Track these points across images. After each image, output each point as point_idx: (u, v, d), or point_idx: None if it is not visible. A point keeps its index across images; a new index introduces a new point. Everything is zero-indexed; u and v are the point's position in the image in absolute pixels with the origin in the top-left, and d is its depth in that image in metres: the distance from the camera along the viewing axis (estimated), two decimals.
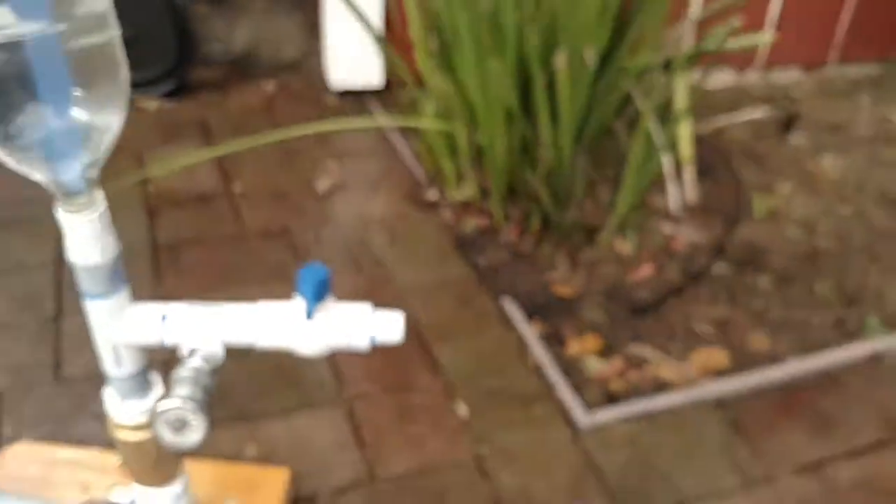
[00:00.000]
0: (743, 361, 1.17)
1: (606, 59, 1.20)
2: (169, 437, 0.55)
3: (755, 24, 1.93)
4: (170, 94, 1.78)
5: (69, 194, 0.53)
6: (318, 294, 0.60)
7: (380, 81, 1.82)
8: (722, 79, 2.00)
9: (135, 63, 1.78)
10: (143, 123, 1.70)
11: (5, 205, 1.40)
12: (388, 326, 0.62)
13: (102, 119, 0.51)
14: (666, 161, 1.26)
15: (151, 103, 1.76)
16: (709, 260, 1.36)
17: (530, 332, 1.19)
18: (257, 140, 1.46)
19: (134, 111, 1.73)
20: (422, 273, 1.31)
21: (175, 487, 0.71)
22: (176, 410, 0.53)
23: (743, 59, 2.00)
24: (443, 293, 1.27)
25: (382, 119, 1.69)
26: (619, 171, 1.32)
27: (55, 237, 1.33)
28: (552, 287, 1.27)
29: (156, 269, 1.28)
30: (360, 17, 1.40)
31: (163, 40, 1.72)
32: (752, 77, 2.02)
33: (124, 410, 0.64)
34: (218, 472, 0.86)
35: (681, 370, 1.15)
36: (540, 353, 1.16)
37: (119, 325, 0.60)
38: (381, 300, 1.24)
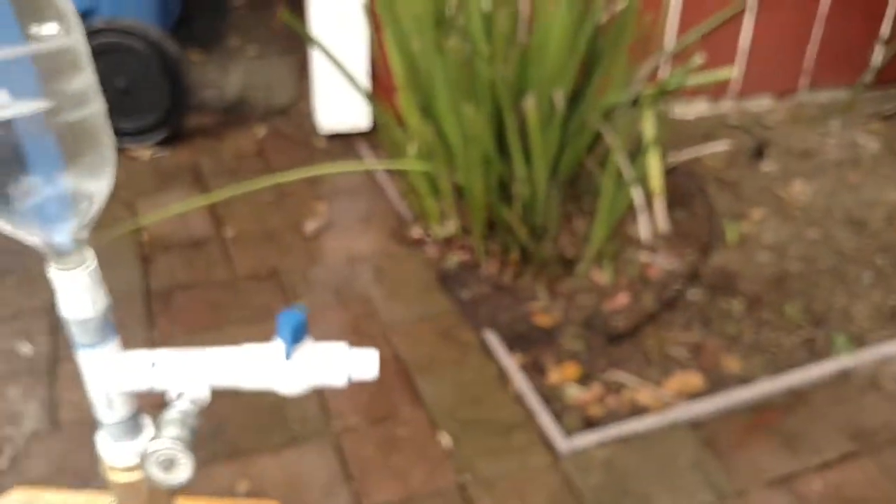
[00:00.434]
0: (716, 383, 1.22)
1: (575, 98, 1.27)
2: (159, 475, 0.59)
3: (727, 56, 2.00)
4: (163, 142, 1.84)
5: (61, 254, 0.58)
6: (296, 336, 0.65)
7: (367, 124, 1.88)
8: (697, 108, 2.06)
9: (128, 112, 1.85)
10: (137, 171, 1.76)
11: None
12: (363, 364, 0.67)
13: (90, 185, 0.56)
14: (636, 193, 1.32)
15: (145, 152, 1.82)
16: (683, 286, 1.41)
17: (511, 363, 1.24)
18: (248, 186, 1.52)
19: (127, 160, 1.79)
20: (406, 308, 1.36)
21: None
22: (165, 451, 0.58)
23: (717, 89, 2.06)
24: (426, 327, 1.32)
25: (368, 162, 1.75)
26: (593, 205, 1.37)
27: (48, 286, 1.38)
28: (532, 317, 1.33)
29: (149, 313, 1.33)
30: (344, 70, 1.46)
31: (156, 90, 1.78)
32: (727, 105, 2.09)
33: (116, 453, 0.69)
34: None
35: (657, 394, 1.20)
36: (520, 382, 1.20)
37: (110, 372, 0.65)
38: (366, 335, 1.30)
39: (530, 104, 1.14)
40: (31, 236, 0.56)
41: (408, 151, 1.49)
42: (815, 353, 1.28)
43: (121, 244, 1.50)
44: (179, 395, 0.64)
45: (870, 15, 2.09)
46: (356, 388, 1.23)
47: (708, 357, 1.28)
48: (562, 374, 1.23)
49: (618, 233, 1.48)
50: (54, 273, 0.60)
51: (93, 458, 1.06)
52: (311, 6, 1.73)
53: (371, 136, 1.90)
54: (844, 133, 1.98)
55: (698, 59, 1.32)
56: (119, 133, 1.81)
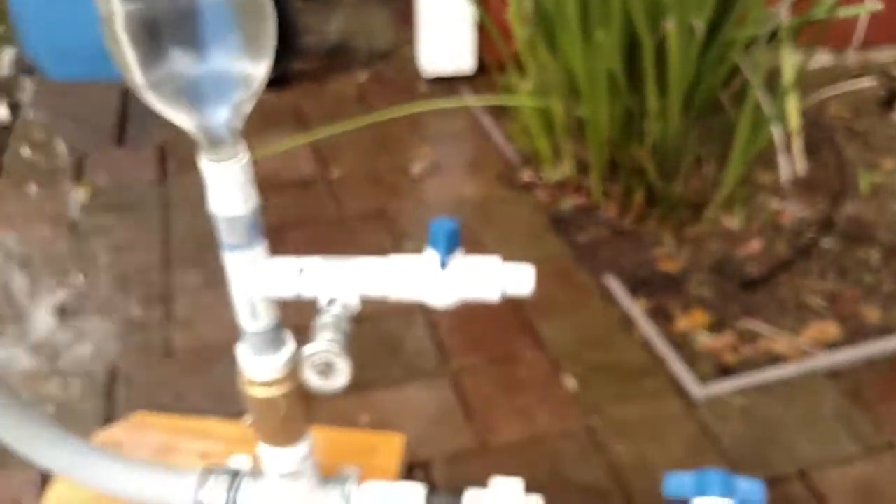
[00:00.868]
0: (855, 333, 1.13)
1: (713, 30, 1.17)
2: (316, 381, 0.56)
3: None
4: (269, 85, 1.81)
5: (215, 142, 0.54)
6: (450, 246, 0.60)
7: (471, 66, 1.82)
8: (820, 60, 1.93)
9: None
10: None
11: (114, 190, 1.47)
12: (518, 278, 0.62)
13: (250, 67, 0.52)
14: (776, 132, 1.23)
15: None
16: (817, 234, 1.32)
17: (635, 308, 1.17)
18: (353, 123, 1.48)
19: None
20: (519, 251, 1.30)
21: (301, 449, 0.72)
22: (322, 354, 0.54)
23: (841, 39, 1.92)
24: (541, 270, 1.24)
25: (476, 99, 1.69)
26: (725, 145, 1.28)
27: (159, 219, 1.38)
28: (657, 263, 1.25)
29: None
30: None
31: None
32: (850, 57, 1.95)
33: (257, 366, 0.66)
34: (335, 438, 0.88)
35: (794, 343, 1.11)
36: (647, 328, 1.14)
37: (257, 277, 0.61)
38: None
39: (672, 26, 1.06)
40: (188, 119, 0.53)
41: (520, 88, 1.42)
42: None
43: None
44: (331, 301, 0.60)
45: None
46: (472, 327, 1.19)
47: (845, 306, 1.19)
48: (690, 321, 1.15)
49: (746, 177, 1.39)
50: (206, 165, 0.57)
51: (206, 389, 1.05)
52: None
53: (474, 80, 1.84)
54: None
55: None
56: None
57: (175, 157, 1.57)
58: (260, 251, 0.61)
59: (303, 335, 0.61)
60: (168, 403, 1.02)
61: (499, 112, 1.70)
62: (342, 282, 0.61)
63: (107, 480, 0.79)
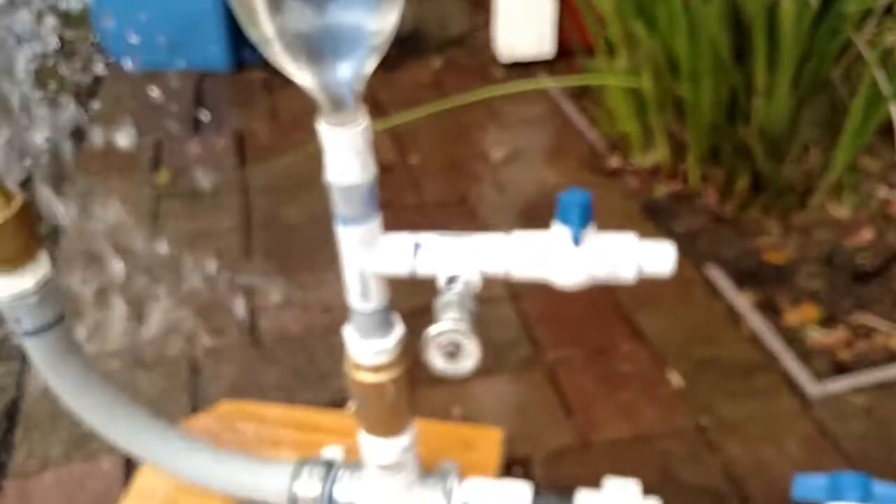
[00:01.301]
0: None
1: (826, 1, 1.09)
2: (440, 363, 0.51)
3: None
4: None
5: (335, 104, 0.50)
6: (584, 220, 0.55)
7: (551, 50, 1.76)
8: None
9: None
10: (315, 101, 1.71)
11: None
12: (657, 257, 0.56)
13: (377, 20, 0.47)
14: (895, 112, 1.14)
15: None
16: None
17: (741, 301, 1.10)
18: (430, 109, 1.43)
19: (300, 89, 1.74)
20: None
21: (404, 439, 0.68)
22: (449, 334, 0.49)
23: None
24: None
25: (560, 80, 1.62)
26: (833, 128, 1.20)
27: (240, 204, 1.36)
28: (762, 254, 1.17)
29: None
30: None
31: None
32: None
33: (365, 349, 0.61)
34: (433, 431, 0.82)
35: None
36: (756, 322, 1.06)
37: (371, 253, 0.57)
38: None
39: None
40: (311, 76, 0.48)
41: (608, 69, 1.36)
42: None
43: (309, 166, 1.45)
44: (451, 280, 0.55)
45: None
46: (565, 317, 1.12)
47: None
48: (801, 315, 1.08)
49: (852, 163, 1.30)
50: (325, 130, 0.52)
51: (290, 378, 1.01)
52: None
53: (554, 65, 1.78)
54: None
55: None
56: None
57: (253, 144, 1.55)
58: (376, 225, 0.57)
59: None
60: (252, 393, 0.98)
61: (581, 96, 1.64)
62: (462, 258, 0.56)
63: (196, 469, 0.75)
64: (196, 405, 0.96)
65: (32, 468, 0.90)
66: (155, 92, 1.75)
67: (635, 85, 1.28)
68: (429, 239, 0.58)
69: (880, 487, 0.68)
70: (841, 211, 1.23)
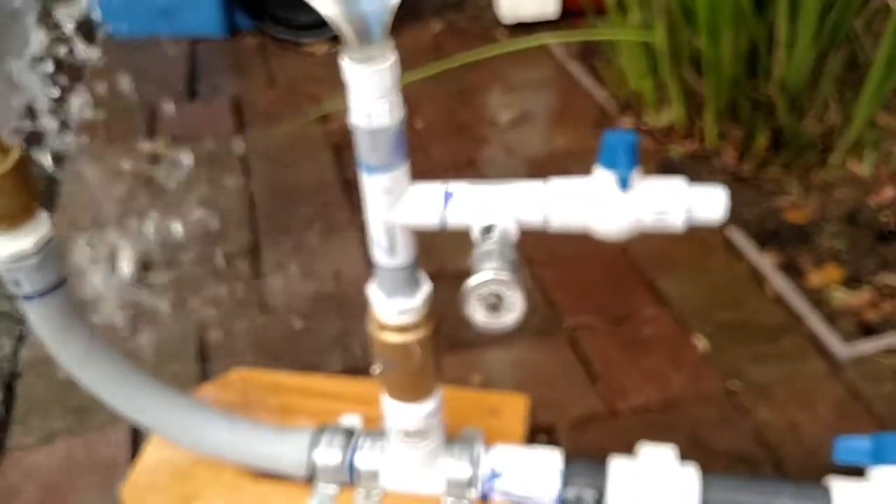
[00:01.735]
0: None
1: None
2: (482, 317, 0.47)
3: None
4: (337, 37, 1.73)
5: (362, 36, 0.45)
6: (632, 161, 0.51)
7: (555, 10, 1.71)
8: None
9: (304, 6, 1.72)
10: (315, 67, 1.66)
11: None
12: (707, 202, 0.52)
13: None
14: None
15: (321, 47, 1.72)
16: None
17: (764, 262, 1.06)
18: (431, 70, 1.38)
19: (303, 55, 1.69)
20: None
21: (429, 404, 0.64)
22: (491, 284, 0.45)
23: None
24: None
25: (567, 35, 1.57)
26: (853, 83, 1.16)
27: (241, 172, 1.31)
28: (783, 213, 1.14)
29: (350, 201, 1.23)
30: None
31: None
32: None
33: (391, 309, 0.57)
34: (455, 397, 0.79)
35: None
36: (780, 283, 1.03)
37: (398, 203, 0.53)
38: None
39: None
40: (337, 6, 0.44)
41: (618, 22, 1.31)
42: None
43: (311, 135, 1.40)
44: (488, 229, 0.51)
45: None
46: (583, 282, 1.09)
47: None
48: (824, 276, 1.04)
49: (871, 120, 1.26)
50: (348, 66, 0.47)
51: (304, 343, 0.98)
52: None
53: (559, 25, 1.73)
54: None
55: None
56: (295, 27, 1.72)
57: (250, 109, 1.50)
58: (403, 173, 0.53)
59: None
60: (263, 361, 0.95)
61: (587, 56, 1.59)
62: (497, 206, 0.52)
63: (208, 439, 0.71)
64: (205, 375, 0.92)
65: (33, 442, 0.86)
66: (145, 59, 1.69)
67: (648, 39, 1.23)
68: (460, 187, 0.54)
69: None
70: (862, 169, 1.19)
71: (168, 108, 1.50)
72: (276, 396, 0.81)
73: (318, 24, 1.70)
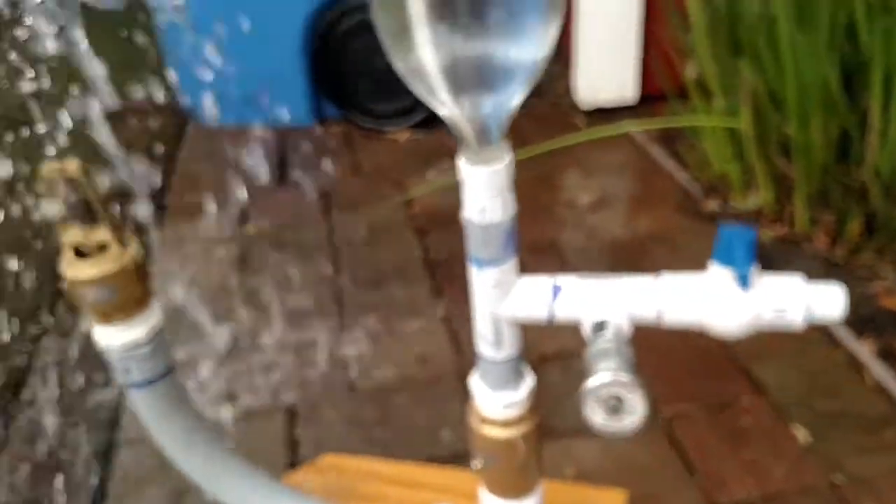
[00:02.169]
0: None
1: None
2: (600, 420, 0.46)
3: None
4: (419, 125, 1.78)
5: (481, 138, 0.47)
6: (751, 257, 0.50)
7: (634, 95, 1.72)
8: None
9: (387, 94, 1.79)
10: (398, 152, 1.70)
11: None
12: (827, 300, 0.51)
13: (537, 49, 0.44)
14: None
15: (402, 134, 1.77)
16: None
17: (863, 350, 1.03)
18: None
19: (387, 142, 1.74)
20: None
21: (530, 500, 0.63)
22: (611, 386, 0.45)
23: None
24: None
25: (651, 124, 1.58)
26: None
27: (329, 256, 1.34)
28: (879, 299, 1.10)
29: (434, 284, 1.24)
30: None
31: None
32: None
33: (495, 402, 0.57)
34: (553, 490, 0.77)
35: None
36: (879, 371, 0.99)
37: (506, 297, 0.53)
38: None
39: None
40: (458, 109, 0.45)
41: (703, 109, 1.32)
42: None
43: (395, 219, 1.43)
44: (600, 326, 0.51)
45: None
46: (677, 369, 1.06)
47: None
48: None
49: None
50: (466, 167, 0.49)
51: (395, 429, 0.98)
52: None
53: (637, 110, 1.74)
54: None
55: None
56: (378, 115, 1.77)
57: (337, 195, 1.54)
58: (512, 266, 0.53)
59: None
60: (352, 445, 0.95)
61: (668, 140, 1.59)
62: (608, 301, 0.52)
63: None
64: (294, 460, 0.93)
65: None
66: (235, 147, 1.77)
67: (734, 125, 1.23)
68: (569, 281, 0.54)
69: None
70: None
71: (257, 195, 1.56)
72: (368, 484, 0.80)
73: (401, 113, 1.76)
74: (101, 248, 0.63)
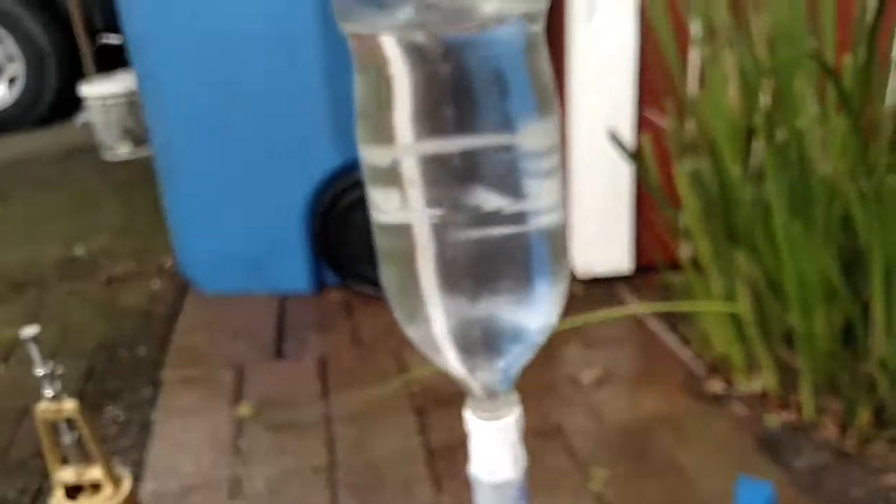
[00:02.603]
0: None
1: None
2: None
3: None
4: None
5: (489, 393, 0.46)
6: None
7: (630, 266, 1.74)
8: None
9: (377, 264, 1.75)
10: (390, 323, 1.70)
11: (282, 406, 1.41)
12: None
13: (547, 318, 0.44)
14: None
15: None
16: None
17: None
18: None
19: (386, 309, 1.74)
20: (727, 478, 1.14)
21: None
22: None
23: None
24: None
25: (649, 307, 1.59)
26: None
27: (324, 441, 1.31)
28: (893, 492, 1.07)
29: (434, 473, 1.20)
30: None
31: None
32: None
33: None
34: None
35: None
36: None
37: None
38: None
39: None
40: (467, 370, 0.45)
41: (701, 292, 1.32)
42: None
43: (394, 397, 1.40)
44: None
45: None
46: None
47: None
48: None
49: None
50: (474, 422, 0.48)
51: None
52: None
53: (633, 280, 1.76)
54: None
55: None
56: (379, 283, 1.78)
57: (335, 369, 1.52)
58: None
59: None
60: None
61: (669, 314, 1.59)
62: None
63: None
64: None
65: None
66: (234, 316, 1.76)
67: (732, 310, 1.23)
68: None
69: None
70: None
71: (254, 367, 1.54)
72: None
73: None
74: (95, 487, 0.61)
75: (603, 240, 1.74)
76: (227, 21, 1.63)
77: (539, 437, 1.27)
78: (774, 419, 1.23)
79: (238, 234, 1.82)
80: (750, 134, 1.18)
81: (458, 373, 0.45)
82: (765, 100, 1.10)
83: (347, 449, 1.28)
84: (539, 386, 1.42)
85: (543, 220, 0.39)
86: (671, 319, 1.58)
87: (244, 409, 1.40)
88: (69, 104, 3.72)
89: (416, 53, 0.32)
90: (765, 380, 1.26)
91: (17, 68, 3.78)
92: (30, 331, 0.52)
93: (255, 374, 1.53)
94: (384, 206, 0.39)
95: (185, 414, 1.41)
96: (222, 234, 1.82)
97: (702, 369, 1.40)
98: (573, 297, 1.71)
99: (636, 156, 1.41)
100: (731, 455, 1.19)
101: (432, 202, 0.36)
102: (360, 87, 0.38)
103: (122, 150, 3.18)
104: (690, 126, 1.25)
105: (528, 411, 1.46)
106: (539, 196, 0.37)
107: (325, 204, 1.74)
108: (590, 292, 1.75)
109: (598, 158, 1.62)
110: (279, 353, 1.60)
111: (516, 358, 0.45)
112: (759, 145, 1.12)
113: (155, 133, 1.84)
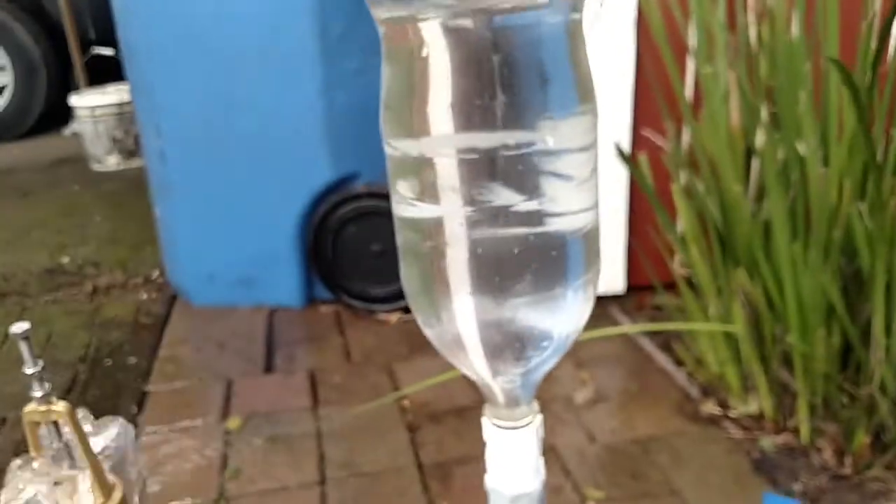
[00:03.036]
0: None
1: None
2: None
3: None
4: (408, 311, 1.77)
5: (511, 401, 0.44)
6: None
7: (623, 285, 1.74)
8: None
9: (381, 277, 1.78)
10: (389, 335, 1.68)
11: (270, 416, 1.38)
12: None
13: (573, 324, 0.43)
14: None
15: (392, 316, 1.75)
16: None
17: None
18: None
19: (377, 324, 1.72)
20: (723, 502, 1.13)
21: None
22: None
23: None
24: None
25: (644, 326, 1.58)
26: None
27: (314, 455, 1.28)
28: None
29: (426, 490, 1.18)
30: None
31: None
32: None
33: None
34: None
35: None
36: None
37: None
38: None
39: None
40: (490, 377, 0.43)
41: (696, 313, 1.32)
42: None
43: (385, 412, 1.38)
44: None
45: None
46: None
47: None
48: None
49: None
50: (491, 431, 0.46)
51: None
52: None
53: (627, 300, 1.75)
54: None
55: None
56: (371, 299, 1.76)
57: (325, 382, 1.50)
58: None
59: None
60: None
61: (661, 333, 1.59)
62: None
63: None
64: None
65: None
66: (224, 329, 1.74)
67: (729, 329, 1.23)
68: None
69: None
70: None
71: (243, 380, 1.52)
72: None
73: (392, 297, 1.75)
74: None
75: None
76: (222, 35, 1.62)
77: None
78: (770, 442, 1.22)
79: (230, 248, 1.80)
80: (750, 152, 1.19)
81: (481, 376, 0.43)
82: (765, 119, 1.11)
83: (338, 465, 1.26)
84: None
85: (579, 221, 0.37)
86: (665, 339, 1.57)
87: (232, 423, 1.37)
88: (59, 115, 3.70)
89: (459, 38, 0.31)
90: (760, 401, 1.25)
91: (7, 78, 3.75)
92: (21, 326, 0.50)
93: (244, 387, 1.50)
94: (411, 200, 0.37)
95: (172, 427, 1.38)
96: (214, 248, 1.79)
97: (696, 390, 1.39)
98: None
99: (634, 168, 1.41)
100: (726, 478, 1.18)
101: (466, 197, 0.35)
102: (389, 78, 0.36)
103: (111, 162, 3.16)
104: (689, 144, 1.25)
105: None
106: (577, 195, 0.36)
107: (318, 218, 1.72)
108: None
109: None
110: (269, 366, 1.58)
111: (541, 363, 0.43)
112: (758, 164, 1.12)
113: (148, 145, 1.82)
